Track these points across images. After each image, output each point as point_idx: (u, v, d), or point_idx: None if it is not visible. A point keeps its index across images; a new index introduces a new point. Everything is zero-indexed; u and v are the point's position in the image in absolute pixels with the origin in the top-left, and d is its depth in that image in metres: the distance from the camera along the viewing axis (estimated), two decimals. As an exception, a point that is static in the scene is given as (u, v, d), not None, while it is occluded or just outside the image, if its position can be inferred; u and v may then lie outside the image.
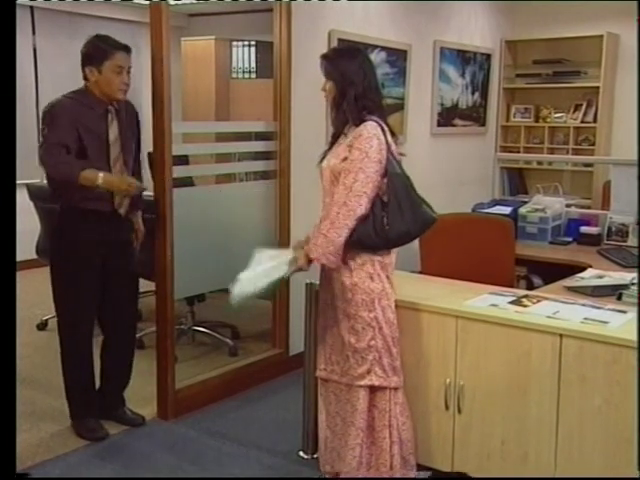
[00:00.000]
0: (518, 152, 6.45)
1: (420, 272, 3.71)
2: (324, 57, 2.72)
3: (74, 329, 3.24)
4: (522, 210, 4.40)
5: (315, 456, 3.03)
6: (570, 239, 4.34)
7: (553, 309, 2.62)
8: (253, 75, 5.78)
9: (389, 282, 2.67)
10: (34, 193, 4.56)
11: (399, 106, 4.83)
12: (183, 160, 3.90)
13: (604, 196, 5.58)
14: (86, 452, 3.16)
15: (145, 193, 3.36)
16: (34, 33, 6.38)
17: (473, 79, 5.75)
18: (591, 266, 3.62)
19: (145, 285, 3.63)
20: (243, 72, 5.99)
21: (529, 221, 4.36)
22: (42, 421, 3.42)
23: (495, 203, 4.62)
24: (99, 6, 6.65)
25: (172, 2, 3.43)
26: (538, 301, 2.73)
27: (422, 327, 2.74)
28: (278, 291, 3.88)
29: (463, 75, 5.61)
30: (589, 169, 6.13)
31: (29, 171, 4.56)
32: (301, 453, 3.13)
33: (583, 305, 2.69)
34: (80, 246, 3.13)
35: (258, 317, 4.57)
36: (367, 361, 2.64)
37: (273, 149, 3.96)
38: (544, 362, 2.48)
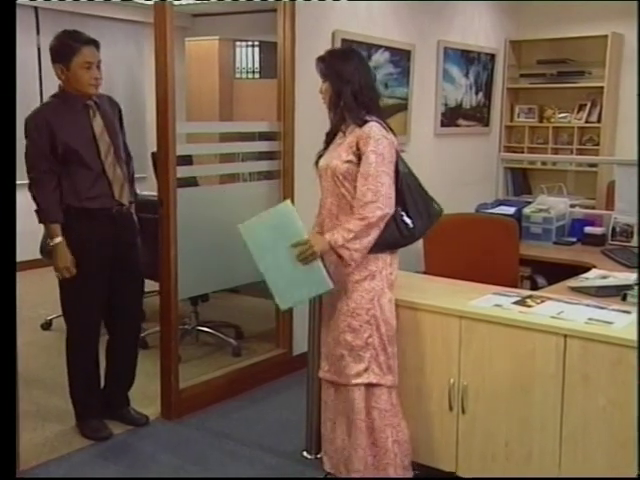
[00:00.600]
0: (522, 152, 6.44)
1: (424, 272, 3.71)
2: (319, 59, 2.74)
3: (81, 330, 3.24)
4: (526, 210, 4.40)
5: (319, 456, 3.03)
6: (574, 239, 4.33)
7: (557, 309, 2.61)
8: (257, 75, 5.78)
9: (390, 280, 2.68)
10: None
11: (403, 106, 4.83)
12: (187, 160, 3.90)
13: (608, 196, 5.58)
14: (90, 452, 3.17)
15: (149, 193, 3.37)
16: (38, 33, 6.39)
17: (477, 79, 5.75)
18: (595, 266, 3.62)
19: (149, 285, 3.63)
20: (247, 72, 5.98)
21: (533, 221, 4.35)
22: (46, 421, 3.43)
23: (499, 203, 4.62)
24: (103, 6, 6.66)
25: (176, 2, 3.43)
26: (542, 301, 2.72)
27: (426, 327, 2.74)
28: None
29: (467, 75, 5.61)
30: (593, 169, 6.11)
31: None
32: (305, 453, 3.13)
33: (587, 305, 2.69)
34: (87, 246, 3.13)
35: (262, 317, 4.57)
36: (364, 359, 2.65)
37: (277, 149, 3.96)
38: (548, 362, 2.47)
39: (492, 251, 3.75)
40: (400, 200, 2.60)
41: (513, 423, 2.57)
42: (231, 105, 5.85)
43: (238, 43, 5.96)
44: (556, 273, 3.61)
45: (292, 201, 3.94)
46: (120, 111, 3.35)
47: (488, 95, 5.93)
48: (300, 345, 3.83)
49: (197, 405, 3.57)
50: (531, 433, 2.53)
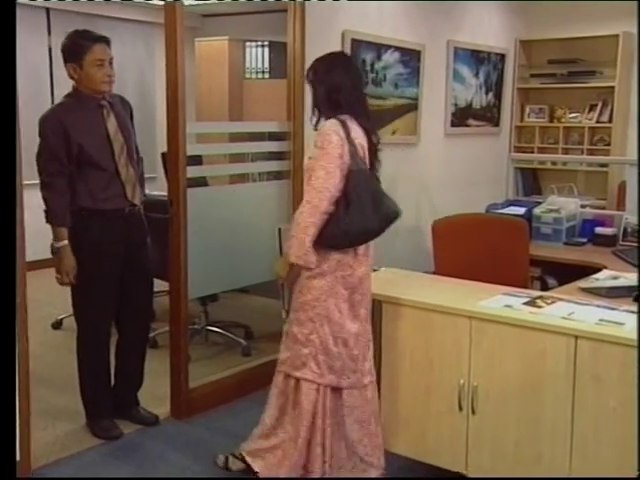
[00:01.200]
0: (532, 152, 6.42)
1: (434, 272, 3.70)
2: (308, 69, 2.82)
3: (92, 330, 3.25)
4: (536, 211, 4.38)
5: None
6: (585, 240, 4.32)
7: (568, 310, 2.60)
8: (267, 75, 5.79)
9: (348, 283, 2.68)
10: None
11: (413, 106, 4.82)
12: (197, 160, 3.91)
13: (619, 197, 5.55)
14: (101, 451, 3.18)
15: (159, 193, 3.38)
16: (49, 34, 6.43)
17: (487, 79, 5.73)
18: (606, 267, 3.60)
19: (159, 285, 3.64)
20: (257, 72, 5.99)
21: (543, 222, 4.33)
22: (57, 420, 3.44)
23: (509, 204, 4.60)
24: (114, 7, 6.69)
25: (186, 2, 3.44)
26: (553, 302, 2.71)
27: (436, 328, 2.73)
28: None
29: (477, 75, 5.59)
30: (604, 169, 6.08)
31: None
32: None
33: (598, 306, 2.68)
34: (99, 247, 3.14)
35: (271, 317, 4.57)
36: (303, 354, 2.70)
37: (286, 149, 3.96)
38: (559, 363, 2.46)
39: (502, 251, 3.74)
40: (344, 198, 2.59)
41: (523, 424, 2.56)
42: (241, 105, 5.86)
43: (248, 43, 5.97)
44: (566, 274, 3.60)
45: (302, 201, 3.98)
46: (131, 110, 3.36)
47: (498, 95, 5.91)
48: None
49: (207, 405, 3.58)
50: (541, 434, 2.52)
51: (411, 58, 4.75)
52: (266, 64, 5.92)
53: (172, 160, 3.39)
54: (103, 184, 3.11)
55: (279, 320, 4.21)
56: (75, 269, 3.11)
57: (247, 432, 3.37)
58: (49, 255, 4.54)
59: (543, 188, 6.51)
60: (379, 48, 4.44)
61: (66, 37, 3.12)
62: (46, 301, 5.04)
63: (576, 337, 2.42)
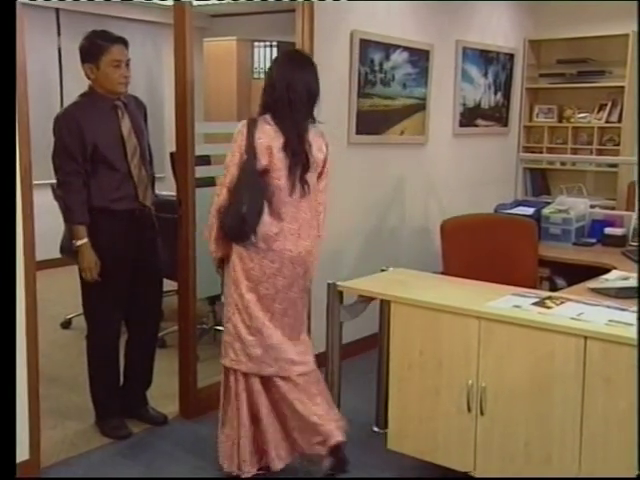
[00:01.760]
0: (541, 152, 6.39)
1: (442, 273, 3.69)
2: None
3: (102, 330, 3.26)
4: (545, 211, 4.36)
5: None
6: (594, 240, 4.29)
7: (577, 311, 2.59)
8: (275, 75, 5.78)
9: (250, 276, 2.77)
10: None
11: (421, 106, 4.81)
12: (205, 160, 3.91)
13: (629, 197, 5.52)
14: (110, 450, 3.19)
15: (167, 193, 3.39)
16: (59, 35, 6.46)
17: (496, 79, 5.71)
18: (616, 268, 3.58)
19: (167, 284, 3.65)
20: (265, 72, 5.99)
21: (552, 222, 4.32)
22: (66, 418, 3.46)
23: (518, 204, 4.59)
24: (123, 7, 6.71)
25: (195, 3, 3.44)
26: (562, 302, 2.71)
27: (444, 328, 2.73)
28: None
29: (486, 75, 5.57)
30: (613, 169, 6.05)
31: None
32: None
33: (608, 307, 2.67)
34: (109, 246, 3.15)
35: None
36: (224, 341, 2.87)
37: (295, 149, 3.96)
38: (568, 364, 2.45)
39: (511, 252, 3.73)
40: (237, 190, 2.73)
41: (532, 425, 2.55)
42: (249, 105, 5.87)
43: (256, 43, 5.98)
44: (576, 274, 3.58)
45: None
46: (146, 112, 3.37)
47: (507, 95, 5.89)
48: (318, 345, 3.83)
49: (215, 404, 3.55)
50: (551, 435, 2.52)
51: (420, 58, 4.75)
52: (274, 64, 5.91)
53: (180, 160, 3.39)
54: (115, 184, 3.12)
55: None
56: (98, 265, 3.11)
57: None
58: (58, 254, 4.58)
59: (552, 188, 6.49)
60: (387, 48, 4.44)
61: (84, 37, 3.14)
62: (55, 300, 5.07)
63: (585, 338, 2.41)
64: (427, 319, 2.75)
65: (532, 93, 6.44)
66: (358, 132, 4.29)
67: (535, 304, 2.68)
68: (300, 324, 2.92)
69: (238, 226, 2.72)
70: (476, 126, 5.56)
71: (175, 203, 3.42)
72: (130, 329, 3.41)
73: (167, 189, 4.38)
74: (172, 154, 4.83)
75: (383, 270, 3.30)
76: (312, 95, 2.80)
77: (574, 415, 2.46)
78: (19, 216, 2.72)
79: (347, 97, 4.19)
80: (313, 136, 2.82)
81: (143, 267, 3.27)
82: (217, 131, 4.29)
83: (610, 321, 2.48)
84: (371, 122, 4.38)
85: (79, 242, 3.09)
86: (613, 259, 3.84)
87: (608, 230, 4.27)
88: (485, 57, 5.53)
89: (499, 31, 5.71)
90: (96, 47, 3.07)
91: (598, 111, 6.22)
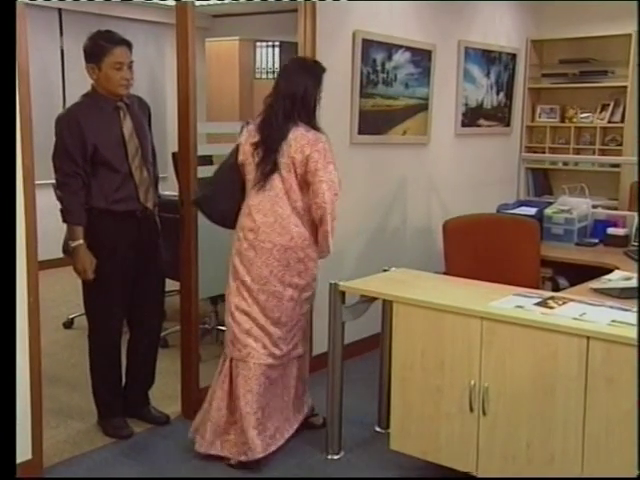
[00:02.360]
0: (543, 152, 6.38)
1: (444, 273, 3.69)
2: None
3: (104, 330, 3.26)
4: (547, 211, 4.36)
5: (337, 457, 3.06)
6: (596, 240, 4.29)
7: (580, 311, 2.59)
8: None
9: (232, 259, 3.08)
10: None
11: (423, 106, 4.81)
12: (207, 160, 3.92)
13: (631, 197, 5.51)
14: (112, 450, 3.19)
15: (169, 193, 3.39)
16: (62, 35, 6.47)
17: (498, 79, 5.71)
18: (618, 268, 3.58)
19: (169, 284, 3.66)
20: (267, 72, 6.00)
21: (555, 222, 4.31)
22: (69, 418, 3.46)
23: (520, 204, 4.59)
24: (125, 8, 6.72)
25: (197, 3, 3.44)
26: (564, 303, 2.70)
27: (446, 328, 2.73)
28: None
29: (488, 75, 5.57)
30: (616, 169, 6.04)
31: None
32: (329, 455, 3.14)
33: (610, 307, 2.66)
34: (111, 247, 3.14)
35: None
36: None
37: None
38: (570, 365, 2.45)
39: (513, 252, 3.73)
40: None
41: (535, 425, 2.55)
42: (251, 105, 5.87)
43: (258, 43, 5.99)
44: (578, 274, 3.58)
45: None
46: (150, 112, 3.37)
47: (509, 95, 5.89)
48: (320, 345, 3.83)
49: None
50: (553, 435, 2.51)
51: (422, 58, 4.74)
52: (277, 64, 5.92)
53: (183, 160, 3.40)
54: (116, 185, 3.12)
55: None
56: (93, 264, 3.11)
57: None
58: (61, 254, 4.59)
59: (554, 188, 6.48)
60: (390, 48, 4.43)
61: (88, 37, 3.13)
62: (58, 300, 5.08)
63: (588, 338, 2.41)
64: (429, 319, 2.75)
65: (534, 93, 6.44)
66: (360, 132, 4.30)
67: (537, 304, 2.68)
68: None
69: (216, 214, 3.12)
70: (478, 126, 5.56)
71: (177, 203, 3.42)
72: (132, 329, 3.41)
73: (169, 189, 4.38)
74: (174, 154, 4.83)
75: (385, 270, 3.30)
76: (296, 97, 2.93)
77: (576, 415, 2.45)
78: (21, 216, 2.73)
79: (349, 97, 4.19)
80: (297, 137, 2.87)
81: (145, 267, 3.27)
82: (219, 131, 4.30)
83: (613, 321, 2.48)
84: (373, 122, 4.38)
85: (74, 243, 3.09)
86: (615, 259, 3.84)
87: (610, 230, 4.26)
88: (487, 57, 5.53)
89: (501, 31, 5.71)
90: (99, 48, 3.07)
91: (600, 111, 6.22)
